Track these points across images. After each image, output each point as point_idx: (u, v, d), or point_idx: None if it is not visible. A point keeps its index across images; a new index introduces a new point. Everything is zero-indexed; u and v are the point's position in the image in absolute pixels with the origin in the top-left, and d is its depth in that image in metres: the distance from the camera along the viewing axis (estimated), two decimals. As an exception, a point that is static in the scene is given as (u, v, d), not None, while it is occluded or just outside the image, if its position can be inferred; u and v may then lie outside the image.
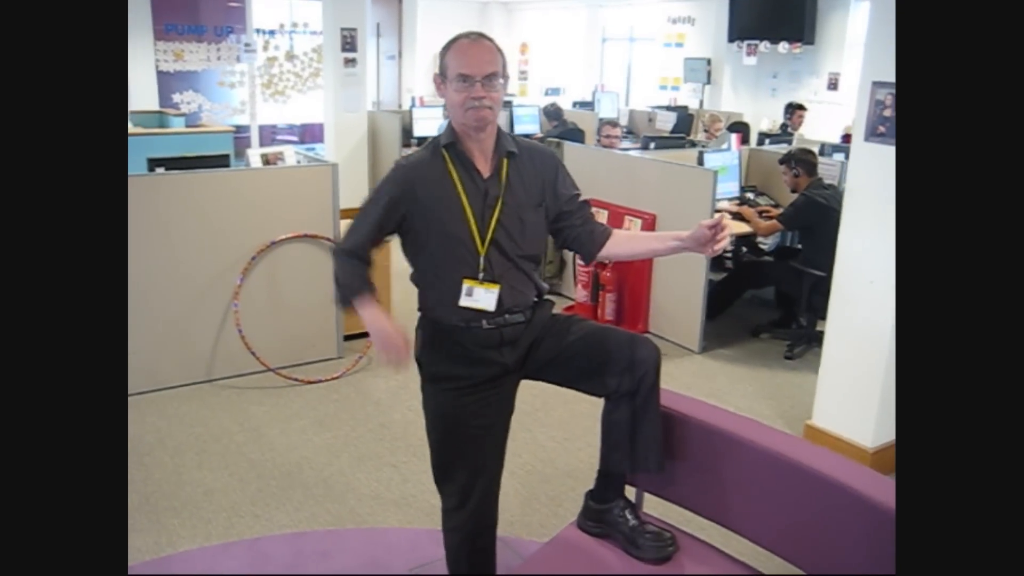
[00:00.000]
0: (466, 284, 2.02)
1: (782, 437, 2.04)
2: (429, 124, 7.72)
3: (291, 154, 4.58)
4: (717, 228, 1.98)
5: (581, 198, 2.17)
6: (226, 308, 4.12)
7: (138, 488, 3.17)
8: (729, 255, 5.92)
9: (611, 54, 12.43)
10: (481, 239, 2.00)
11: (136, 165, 4.15)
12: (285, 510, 3.05)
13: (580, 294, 5.29)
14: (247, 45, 9.57)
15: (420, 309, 2.12)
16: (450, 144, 2.02)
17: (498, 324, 2.04)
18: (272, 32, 10.45)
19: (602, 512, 2.14)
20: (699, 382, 4.40)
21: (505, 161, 2.04)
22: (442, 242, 2.03)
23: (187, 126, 7.31)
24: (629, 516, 2.10)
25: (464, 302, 2.01)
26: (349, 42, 7.44)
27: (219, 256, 4.08)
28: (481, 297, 2.02)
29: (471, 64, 1.93)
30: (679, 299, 4.82)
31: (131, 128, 6.60)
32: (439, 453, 2.18)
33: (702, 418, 2.10)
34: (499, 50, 2.00)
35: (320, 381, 4.19)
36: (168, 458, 3.41)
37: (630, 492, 2.23)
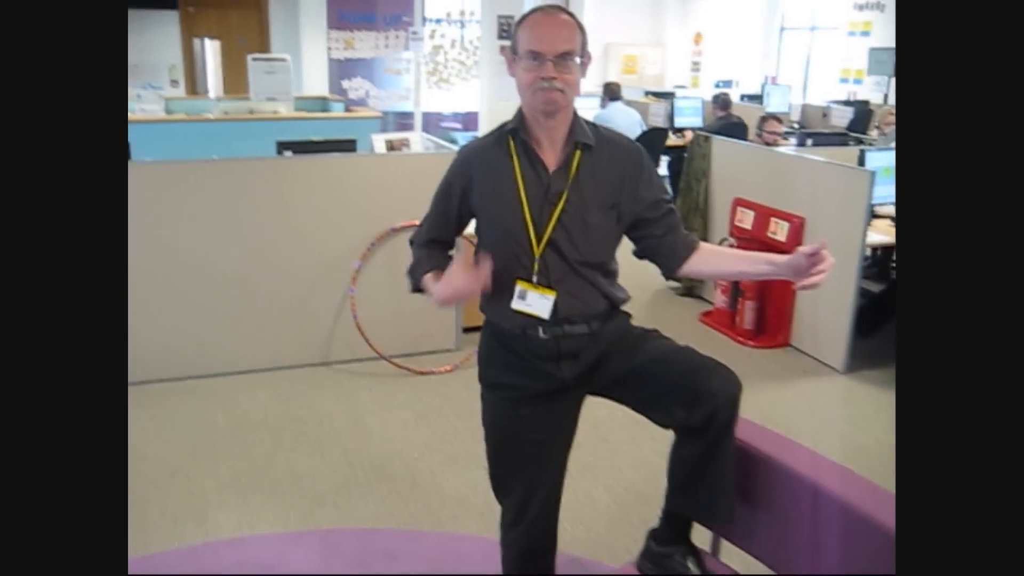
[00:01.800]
0: (519, 286, 1.82)
1: (888, 498, 1.69)
2: (580, 114, 7.53)
3: (417, 141, 4.53)
4: (816, 258, 1.68)
5: (668, 204, 1.91)
6: (344, 293, 4.13)
7: (232, 465, 3.21)
8: (895, 265, 5.36)
9: (789, 44, 11.70)
10: (537, 238, 1.80)
11: (267, 148, 4.24)
12: (366, 503, 2.98)
13: (719, 299, 4.93)
14: (414, 33, 9.73)
15: (480, 308, 1.96)
16: (516, 130, 1.83)
17: (556, 335, 1.83)
18: (439, 21, 10.60)
19: (662, 556, 1.89)
20: (838, 406, 3.97)
21: (578, 153, 1.82)
22: (497, 237, 1.84)
23: (346, 111, 7.49)
24: (691, 565, 1.84)
25: (517, 305, 1.82)
26: (506, 30, 7.37)
27: (339, 240, 4.09)
28: (535, 302, 1.81)
29: (543, 40, 1.72)
30: (826, 311, 4.37)
31: (284, 112, 6.83)
32: (494, 464, 2.01)
33: (789, 463, 1.79)
34: (579, 26, 1.78)
35: (431, 373, 4.12)
36: (268, 437, 3.44)
37: (705, 535, 1.97)
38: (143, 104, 7.17)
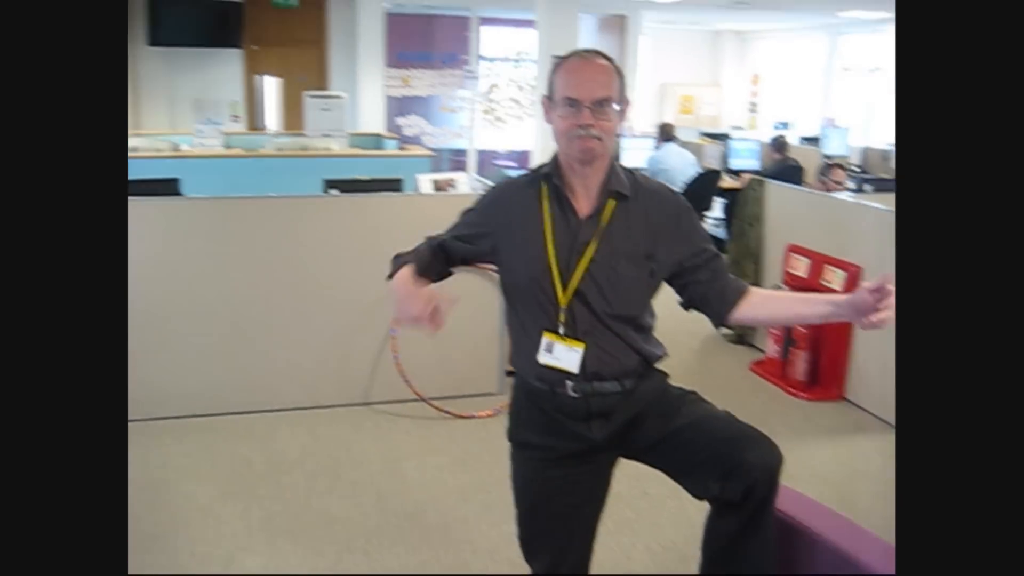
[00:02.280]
0: (546, 338, 1.75)
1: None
2: (634, 155, 7.46)
3: (463, 181, 4.52)
4: (881, 294, 1.57)
5: (712, 251, 1.82)
6: (386, 333, 4.09)
7: (265, 505, 3.16)
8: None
9: (850, 85, 11.50)
10: (563, 288, 1.72)
11: (318, 184, 4.26)
12: (396, 552, 2.90)
13: (771, 347, 4.77)
14: (470, 72, 9.82)
15: (510, 362, 1.89)
16: (550, 175, 1.77)
17: (585, 392, 1.75)
18: (495, 60, 10.68)
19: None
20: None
21: (612, 202, 1.75)
22: (523, 283, 1.78)
23: (399, 148, 7.54)
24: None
25: (544, 358, 1.75)
26: (559, 70, 7.37)
27: (381, 280, 4.05)
28: (562, 355, 1.74)
29: (579, 86, 1.67)
30: (883, 363, 4.19)
31: (335, 148, 6.90)
32: (523, 527, 1.93)
33: (837, 541, 1.67)
34: (617, 71, 1.72)
35: (471, 417, 4.04)
36: (302, 478, 3.40)
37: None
38: (202, 139, 7.32)
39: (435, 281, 1.86)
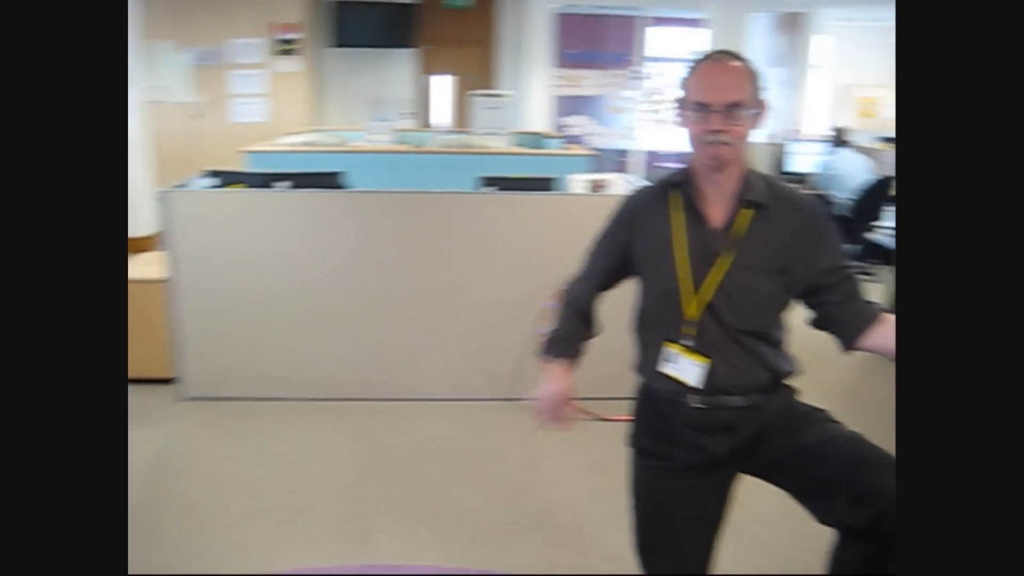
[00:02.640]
0: (669, 348, 1.70)
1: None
2: (804, 159, 7.12)
3: (617, 182, 4.46)
4: None
5: (847, 271, 1.70)
6: (533, 331, 4.12)
7: (404, 490, 3.27)
8: None
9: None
10: (692, 300, 1.66)
11: (460, 180, 4.36)
12: (525, 550, 2.91)
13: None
14: (636, 72, 9.73)
15: (634, 367, 1.85)
16: (681, 183, 1.71)
17: (710, 405, 1.68)
18: (663, 60, 10.50)
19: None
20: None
21: (747, 212, 1.67)
22: (651, 293, 1.74)
23: (561, 147, 7.57)
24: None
25: (665, 368, 1.70)
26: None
27: (531, 278, 4.09)
28: (684, 368, 1.68)
29: (710, 90, 1.61)
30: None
31: (496, 146, 7.00)
32: (639, 536, 1.88)
33: None
34: (752, 73, 1.64)
35: (613, 420, 3.99)
36: (441, 467, 3.48)
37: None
38: (374, 135, 7.65)
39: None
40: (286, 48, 9.62)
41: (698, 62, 1.68)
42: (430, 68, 10.55)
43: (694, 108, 1.62)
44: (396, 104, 10.50)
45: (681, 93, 1.69)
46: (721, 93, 1.59)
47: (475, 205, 4.09)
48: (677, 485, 1.76)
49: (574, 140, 9.25)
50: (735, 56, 1.67)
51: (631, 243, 1.79)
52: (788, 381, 1.76)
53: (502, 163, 6.30)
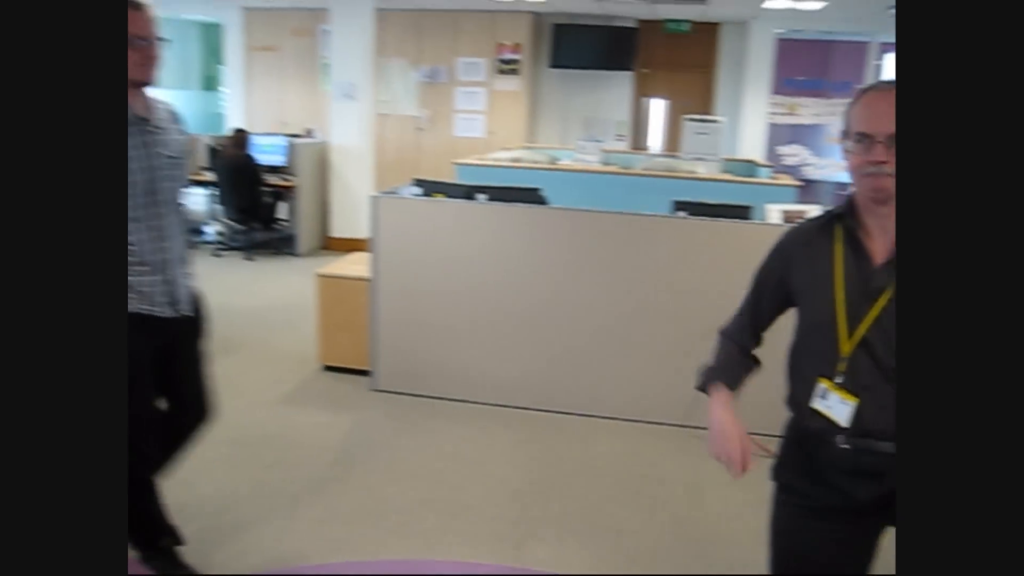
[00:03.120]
0: (821, 384, 1.64)
1: None
2: None
3: (814, 213, 4.27)
4: None
5: None
6: (713, 358, 4.04)
7: (565, 503, 3.32)
8: None
9: None
10: (848, 336, 1.59)
11: (660, 204, 4.36)
12: (678, 578, 2.87)
13: None
14: (863, 102, 9.21)
15: (785, 401, 1.80)
16: (844, 215, 1.65)
17: (857, 447, 1.60)
18: (894, 89, 9.91)
19: None
20: None
21: None
22: (807, 328, 1.68)
23: (771, 177, 7.34)
24: None
25: (816, 404, 1.64)
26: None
27: (717, 305, 3.99)
28: (835, 406, 1.61)
29: (872, 120, 1.53)
30: None
31: (702, 172, 6.90)
32: (773, 571, 1.82)
33: None
34: None
35: (790, 459, 3.83)
36: (606, 486, 3.50)
37: None
38: (583, 155, 7.80)
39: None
40: (507, 68, 10.04)
41: (862, 92, 1.61)
42: (646, 91, 10.59)
43: (856, 139, 1.56)
44: (610, 125, 10.64)
45: (844, 125, 1.63)
46: (884, 123, 1.52)
47: (665, 228, 4.09)
48: (816, 526, 1.69)
49: (788, 170, 8.93)
50: None
51: (788, 277, 1.74)
52: None
53: (704, 189, 6.23)
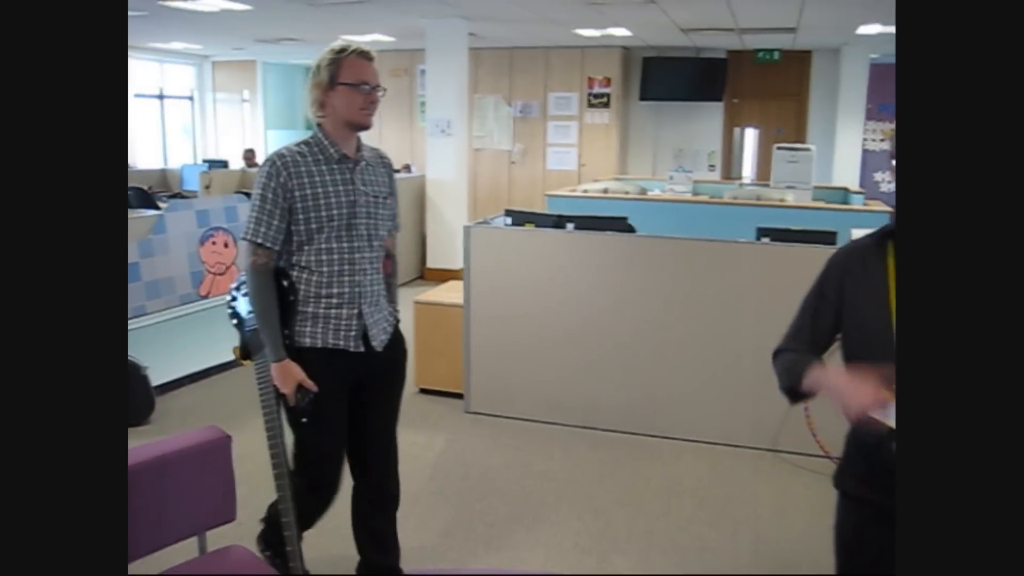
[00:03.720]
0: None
1: None
2: None
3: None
4: None
5: None
6: (799, 382, 4.07)
7: (649, 521, 3.42)
8: None
9: None
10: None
11: (747, 232, 4.42)
12: (759, 595, 2.94)
13: None
14: (964, 126, 8.99)
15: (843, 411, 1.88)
16: (895, 232, 1.74)
17: None
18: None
19: None
20: None
21: None
22: (862, 340, 1.77)
23: (864, 204, 7.26)
24: None
25: (875, 412, 1.72)
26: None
27: (801, 329, 4.06)
28: (892, 414, 1.69)
29: None
30: None
31: (791, 200, 6.88)
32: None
33: None
34: None
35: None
36: (690, 505, 3.58)
37: None
38: (673, 185, 7.90)
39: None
40: (597, 101, 10.24)
41: None
42: (738, 121, 10.61)
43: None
44: (702, 156, 10.69)
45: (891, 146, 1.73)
46: None
47: (749, 254, 4.17)
48: (878, 531, 1.77)
49: (883, 196, 8.78)
50: None
51: (843, 295, 1.82)
52: None
53: (793, 216, 6.22)
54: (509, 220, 4.68)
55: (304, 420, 2.38)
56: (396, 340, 2.58)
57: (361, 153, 2.46)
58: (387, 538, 2.72)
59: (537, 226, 4.52)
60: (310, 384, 2.34)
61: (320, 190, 2.34)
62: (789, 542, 3.30)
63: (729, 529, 3.39)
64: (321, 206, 2.34)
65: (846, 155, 9.67)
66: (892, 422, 1.72)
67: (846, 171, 9.58)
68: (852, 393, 1.64)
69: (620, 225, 4.57)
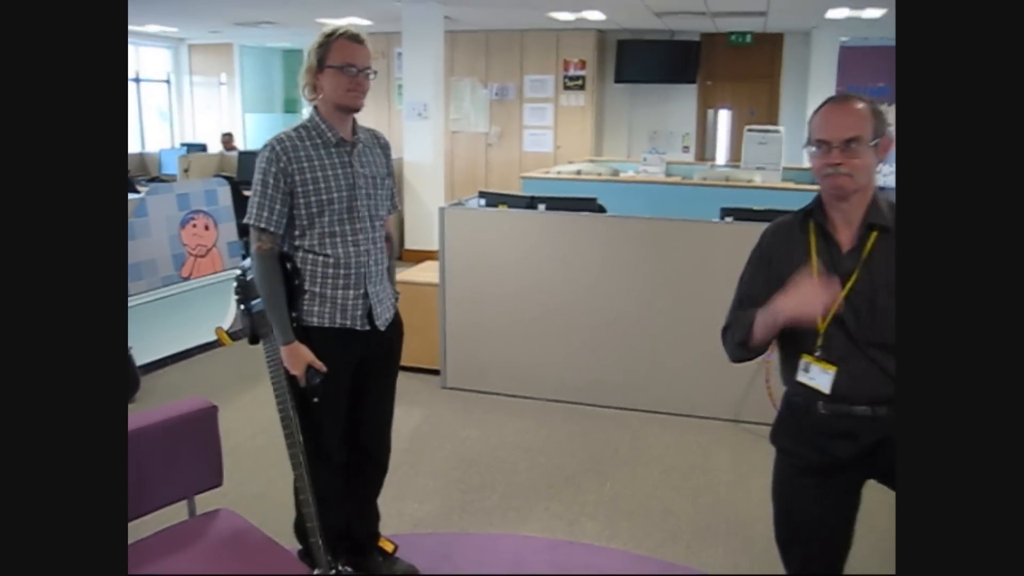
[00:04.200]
0: (803, 359, 1.90)
1: None
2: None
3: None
4: None
5: None
6: (762, 357, 4.26)
7: (617, 486, 3.60)
8: None
9: None
10: (824, 315, 1.85)
11: (715, 213, 4.59)
12: (715, 553, 3.12)
13: None
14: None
15: (781, 376, 2.07)
16: (812, 211, 1.92)
17: (835, 412, 1.87)
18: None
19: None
20: None
21: (873, 235, 1.85)
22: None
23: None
24: None
25: (801, 377, 1.91)
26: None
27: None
28: (817, 376, 1.88)
29: (828, 129, 1.82)
30: None
31: (758, 180, 7.06)
32: (777, 527, 2.11)
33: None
34: (871, 112, 1.82)
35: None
36: (656, 473, 3.77)
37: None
38: (647, 166, 8.06)
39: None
40: (573, 84, 10.37)
41: (821, 105, 1.89)
42: (711, 103, 10.77)
43: (817, 145, 1.83)
44: (676, 137, 10.85)
45: (808, 133, 1.90)
46: (838, 131, 1.79)
47: (712, 233, 4.34)
48: (806, 483, 1.95)
49: (853, 177, 8.99)
50: (857, 98, 1.85)
51: (771, 268, 2.00)
52: None
53: (761, 196, 6.40)
54: (483, 202, 4.82)
55: (315, 400, 2.45)
56: (396, 318, 2.66)
57: (357, 136, 2.50)
58: (372, 507, 2.87)
59: (510, 207, 4.67)
60: (319, 365, 2.42)
61: (320, 174, 2.40)
62: (747, 504, 3.49)
63: (691, 494, 3.58)
64: (321, 189, 2.40)
65: (816, 136, 9.86)
66: (816, 385, 1.90)
67: (816, 152, 9.77)
68: (804, 298, 1.79)
69: (590, 206, 4.72)
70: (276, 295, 2.40)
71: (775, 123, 9.89)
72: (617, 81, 10.55)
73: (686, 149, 10.84)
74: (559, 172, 7.53)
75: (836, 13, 8.31)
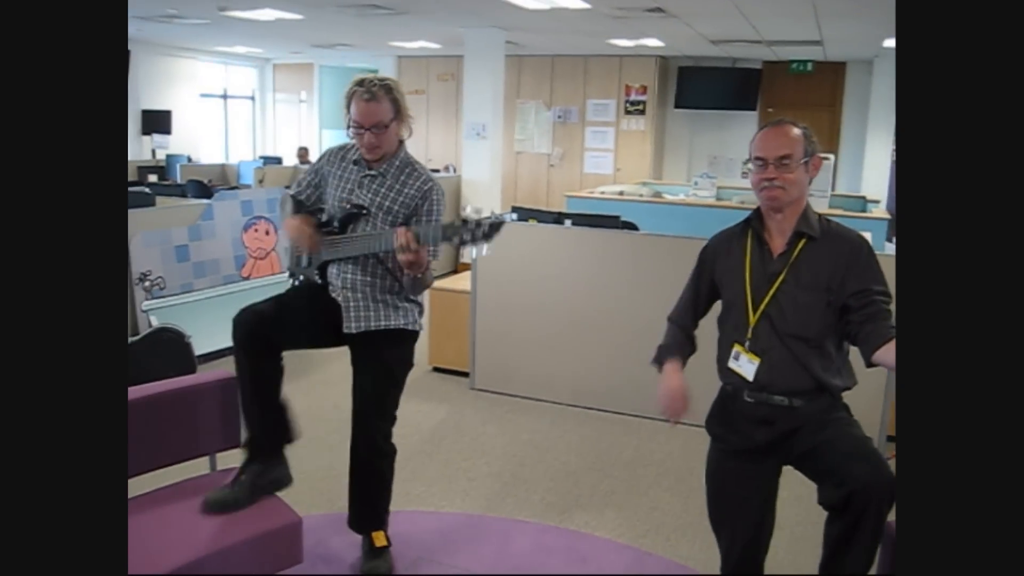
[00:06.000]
0: (735, 348, 2.16)
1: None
2: None
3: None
4: None
5: (877, 296, 2.03)
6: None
7: (614, 483, 3.85)
8: None
9: None
10: (754, 309, 2.11)
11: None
12: (691, 546, 3.34)
13: None
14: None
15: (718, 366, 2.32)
16: (751, 220, 2.18)
17: (757, 400, 2.12)
18: None
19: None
20: None
21: (802, 242, 2.09)
22: (727, 305, 2.21)
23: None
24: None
25: (731, 364, 2.16)
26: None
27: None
28: (744, 365, 2.13)
29: (764, 147, 2.09)
30: None
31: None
32: (709, 506, 2.35)
33: None
34: (803, 135, 2.08)
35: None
36: (653, 474, 4.00)
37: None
38: (697, 190, 8.27)
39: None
40: (634, 108, 10.64)
41: (760, 128, 2.16)
42: (770, 130, 10.87)
43: (755, 162, 2.10)
44: (736, 163, 10.98)
45: (749, 152, 2.17)
46: (774, 149, 2.06)
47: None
48: (732, 466, 2.20)
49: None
50: (792, 123, 2.12)
51: (714, 271, 2.27)
52: (837, 394, 2.12)
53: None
54: (515, 216, 5.13)
55: (290, 277, 2.93)
56: (385, 334, 2.75)
57: (384, 166, 2.71)
58: (357, 493, 3.01)
59: (539, 222, 4.98)
60: (312, 245, 2.70)
61: (331, 181, 2.82)
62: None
63: (684, 494, 3.80)
64: (327, 192, 2.84)
65: (875, 166, 9.88)
66: (744, 373, 2.15)
67: (874, 181, 9.78)
68: (669, 399, 2.25)
69: (614, 223, 5.00)
70: (285, 202, 2.92)
71: (835, 152, 9.95)
72: (677, 107, 10.77)
73: (745, 175, 10.94)
74: (602, 192, 7.81)
75: (893, 43, 8.38)
